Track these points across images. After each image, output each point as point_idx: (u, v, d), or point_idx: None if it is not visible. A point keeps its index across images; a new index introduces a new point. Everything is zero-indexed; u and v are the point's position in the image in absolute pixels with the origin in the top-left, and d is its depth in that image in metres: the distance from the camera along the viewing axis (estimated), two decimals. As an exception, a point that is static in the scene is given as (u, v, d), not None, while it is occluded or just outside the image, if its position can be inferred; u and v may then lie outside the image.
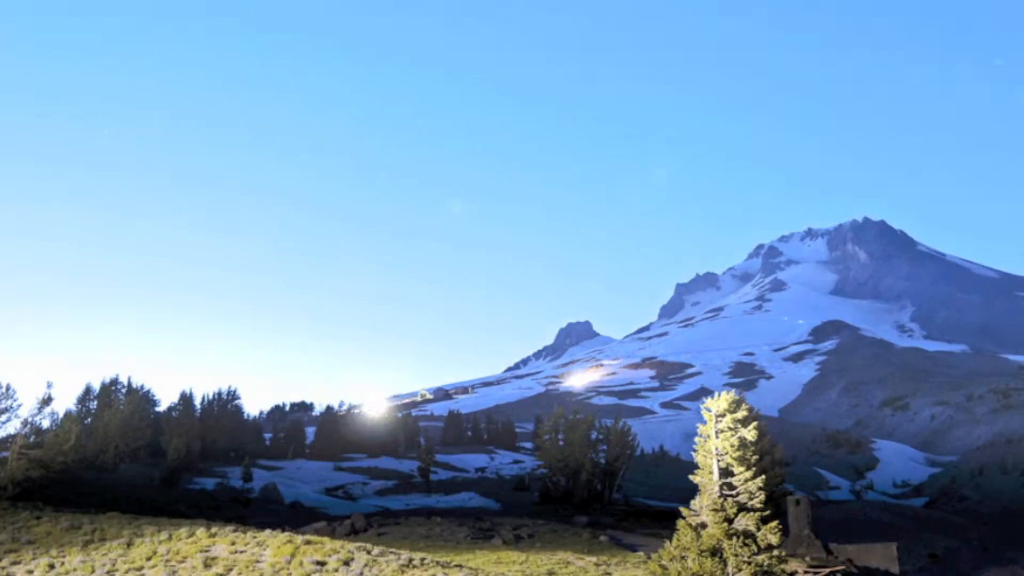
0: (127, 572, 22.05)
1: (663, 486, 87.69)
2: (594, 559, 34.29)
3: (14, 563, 22.92)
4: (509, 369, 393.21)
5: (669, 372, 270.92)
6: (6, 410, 34.71)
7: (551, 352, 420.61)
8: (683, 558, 22.62)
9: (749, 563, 22.11)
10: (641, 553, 38.73)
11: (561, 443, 65.79)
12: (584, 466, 63.94)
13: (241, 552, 23.75)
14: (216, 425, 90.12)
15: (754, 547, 22.38)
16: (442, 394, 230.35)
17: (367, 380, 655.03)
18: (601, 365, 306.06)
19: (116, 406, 66.28)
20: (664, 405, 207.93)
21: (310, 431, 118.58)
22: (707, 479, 23.87)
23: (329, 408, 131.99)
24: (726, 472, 23.86)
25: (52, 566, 22.36)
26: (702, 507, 23.46)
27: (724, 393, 24.74)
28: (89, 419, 65.85)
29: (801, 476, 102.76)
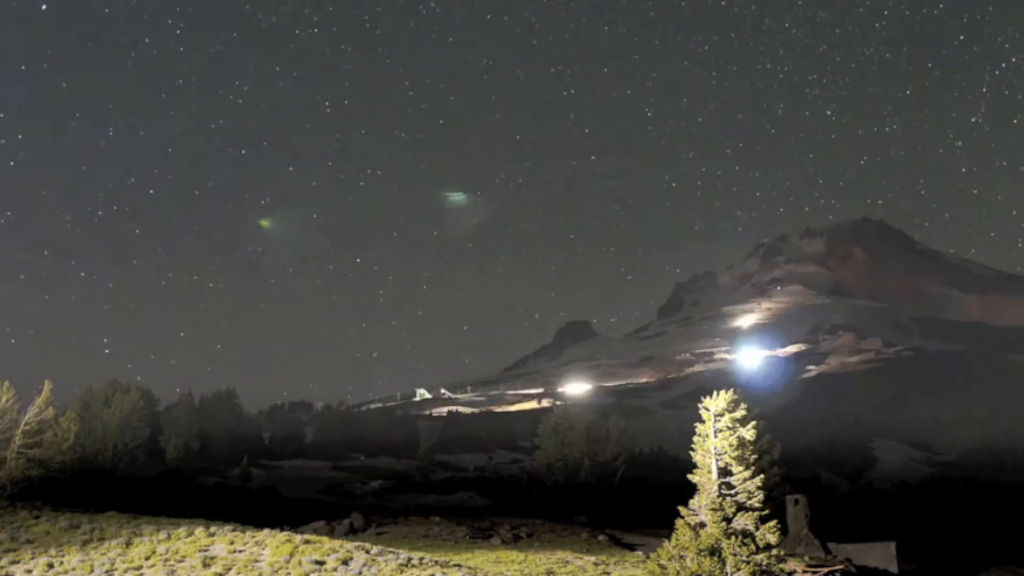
0: (126, 571, 22.05)
1: (662, 486, 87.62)
2: (593, 558, 34.32)
3: (13, 563, 22.92)
4: (508, 369, 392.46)
5: (668, 372, 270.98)
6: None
7: (550, 351, 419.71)
8: (681, 557, 22.64)
9: (748, 562, 22.13)
10: (640, 552, 38.83)
11: (560, 442, 65.82)
12: (583, 465, 64.00)
13: (240, 551, 23.78)
14: (215, 424, 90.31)
15: (753, 546, 22.40)
16: (440, 393, 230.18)
17: (366, 380, 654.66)
18: (600, 364, 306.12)
19: (115, 405, 66.17)
20: (663, 405, 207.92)
21: (309, 431, 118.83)
22: (705, 478, 23.86)
23: (328, 407, 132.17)
24: (725, 471, 23.86)
25: (51, 565, 22.36)
26: (700, 506, 23.47)
27: (723, 392, 24.68)
28: (88, 419, 65.73)
29: (800, 476, 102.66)
